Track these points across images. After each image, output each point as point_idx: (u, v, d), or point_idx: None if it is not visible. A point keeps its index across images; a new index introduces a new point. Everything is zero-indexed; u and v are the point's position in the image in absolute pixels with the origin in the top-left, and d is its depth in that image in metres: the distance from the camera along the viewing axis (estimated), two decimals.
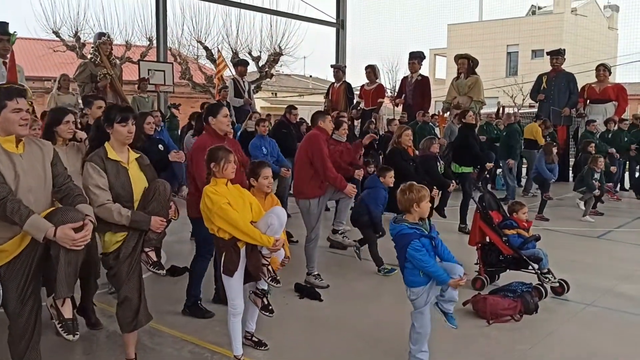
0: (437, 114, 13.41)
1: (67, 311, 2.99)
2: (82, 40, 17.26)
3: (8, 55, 7.45)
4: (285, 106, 9.52)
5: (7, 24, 7.58)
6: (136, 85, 11.30)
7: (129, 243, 3.35)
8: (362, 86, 11.98)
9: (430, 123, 11.65)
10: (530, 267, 4.92)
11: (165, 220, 3.41)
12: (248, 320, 3.87)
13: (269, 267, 3.58)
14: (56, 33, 17.40)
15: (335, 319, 4.39)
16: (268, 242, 3.45)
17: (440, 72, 37.86)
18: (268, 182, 4.01)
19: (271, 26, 19.37)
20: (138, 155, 3.57)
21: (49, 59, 20.58)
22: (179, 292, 4.61)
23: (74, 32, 17.40)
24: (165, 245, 5.58)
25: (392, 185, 5.65)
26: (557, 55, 12.85)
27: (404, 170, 5.95)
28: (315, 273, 5.22)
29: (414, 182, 3.62)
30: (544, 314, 4.45)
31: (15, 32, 7.37)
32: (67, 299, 3.01)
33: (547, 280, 4.87)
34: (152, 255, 3.41)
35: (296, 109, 9.35)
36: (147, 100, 10.53)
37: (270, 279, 3.57)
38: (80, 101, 9.61)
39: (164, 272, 3.51)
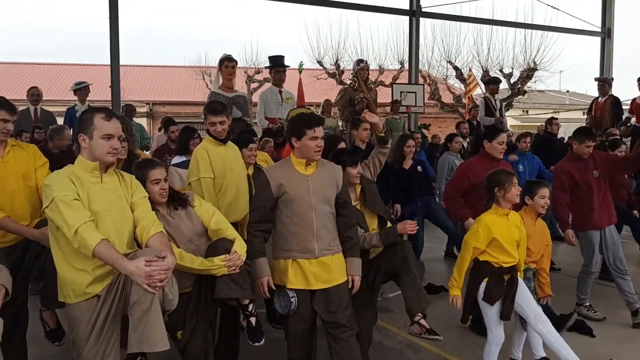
0: None
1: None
2: (341, 68, 18.73)
3: (283, 85, 8.48)
4: (537, 123, 9.12)
5: (283, 57, 8.62)
6: (388, 108, 11.80)
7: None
8: (634, 100, 10.59)
9: None
10: None
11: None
12: (514, 347, 3.70)
13: None
14: (320, 62, 19.21)
15: None
16: None
17: None
18: (544, 202, 3.78)
19: (525, 40, 18.48)
20: (360, 186, 3.74)
21: (312, 87, 22.75)
22: (436, 310, 4.60)
23: (334, 60, 19.00)
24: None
25: None
26: None
27: None
28: (587, 304, 4.75)
29: None
30: None
31: (301, 62, 8.32)
32: None
33: None
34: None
35: (557, 119, 8.97)
36: (399, 122, 10.88)
37: None
38: (340, 124, 10.41)
39: None
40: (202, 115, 4.23)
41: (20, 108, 8.83)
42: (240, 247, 3.14)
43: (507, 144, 4.63)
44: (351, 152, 3.76)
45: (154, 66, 28.02)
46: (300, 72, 7.84)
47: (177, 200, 3.28)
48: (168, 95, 25.41)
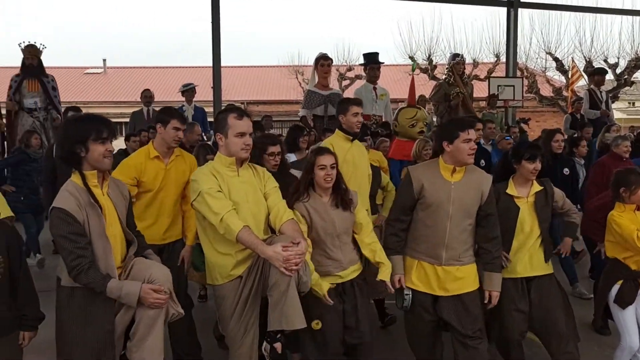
0: None
1: None
2: (433, 63, 18.50)
3: (377, 82, 8.55)
4: None
5: (378, 54, 8.70)
6: (484, 102, 11.53)
7: None
8: None
9: None
10: None
11: None
12: None
13: None
14: (411, 58, 19.06)
15: None
16: None
17: None
18: None
19: (633, 28, 17.37)
20: (540, 189, 3.52)
21: (404, 82, 22.63)
22: None
23: (427, 55, 18.81)
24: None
25: None
26: None
27: None
28: None
29: None
30: None
31: (415, 61, 8.33)
32: None
33: None
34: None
35: None
36: (496, 116, 10.60)
37: None
38: (434, 119, 10.32)
39: None
40: (338, 109, 4.17)
41: (134, 109, 9.53)
42: (385, 275, 3.26)
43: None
44: (532, 145, 3.55)
45: (248, 66, 28.97)
46: (413, 70, 7.86)
47: (342, 200, 3.34)
48: (262, 95, 26.21)
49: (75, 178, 2.72)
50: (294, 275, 2.75)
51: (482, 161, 5.89)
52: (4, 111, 9.03)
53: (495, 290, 3.27)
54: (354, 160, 4.08)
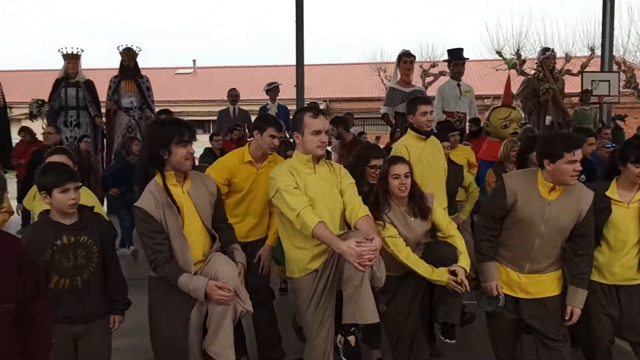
0: None
1: None
2: (522, 57, 17.82)
3: (462, 78, 8.36)
4: None
5: (462, 49, 8.52)
6: (576, 98, 10.98)
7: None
8: None
9: None
10: None
11: None
12: None
13: None
14: (499, 53, 18.49)
15: None
16: None
17: None
18: None
19: None
20: None
21: (491, 78, 21.97)
22: None
23: (515, 50, 18.15)
24: None
25: None
26: None
27: None
28: None
29: None
30: None
31: (512, 57, 8.14)
32: None
33: None
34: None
35: None
36: (590, 113, 10.07)
37: None
38: (522, 116, 9.96)
39: None
40: (406, 109, 4.18)
41: (221, 108, 9.90)
42: (466, 264, 3.24)
43: None
44: (638, 146, 3.20)
45: (331, 64, 29.13)
46: (509, 67, 7.64)
47: (420, 209, 3.37)
48: (344, 92, 26.30)
49: (157, 178, 2.93)
50: (368, 270, 2.80)
51: (583, 176, 5.40)
52: (104, 110, 9.67)
53: (577, 306, 3.15)
54: (428, 159, 4.07)
